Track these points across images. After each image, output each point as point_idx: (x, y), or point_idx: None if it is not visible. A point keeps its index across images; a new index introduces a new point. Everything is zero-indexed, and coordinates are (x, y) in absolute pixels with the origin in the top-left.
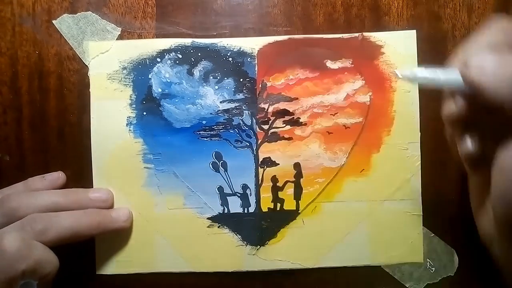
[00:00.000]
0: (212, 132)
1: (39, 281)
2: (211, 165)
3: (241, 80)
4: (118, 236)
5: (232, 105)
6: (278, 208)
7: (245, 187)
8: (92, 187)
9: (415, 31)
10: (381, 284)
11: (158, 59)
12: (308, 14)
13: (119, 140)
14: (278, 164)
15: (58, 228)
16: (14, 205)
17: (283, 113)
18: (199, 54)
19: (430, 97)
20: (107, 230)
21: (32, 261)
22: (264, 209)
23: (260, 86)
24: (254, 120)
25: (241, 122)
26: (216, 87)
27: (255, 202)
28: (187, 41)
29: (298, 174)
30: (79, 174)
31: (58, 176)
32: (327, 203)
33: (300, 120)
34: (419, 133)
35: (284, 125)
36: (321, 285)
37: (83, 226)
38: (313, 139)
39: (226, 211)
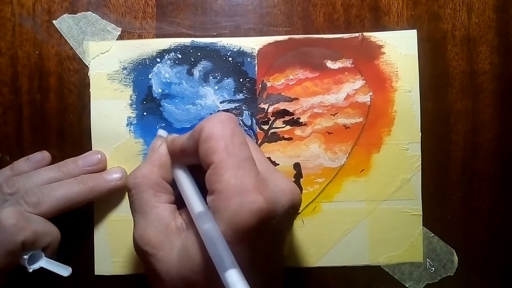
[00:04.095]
0: None
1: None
2: None
3: (241, 80)
4: (117, 236)
5: (232, 105)
6: None
7: None
8: None
9: (416, 30)
10: (381, 284)
11: (158, 59)
12: (308, 14)
13: (119, 140)
14: (278, 164)
15: (51, 198)
16: (10, 191)
17: (283, 113)
18: (199, 54)
19: (431, 97)
20: (103, 192)
21: (30, 232)
22: None
23: (260, 86)
24: (254, 120)
25: (241, 122)
26: (216, 87)
27: None
28: (187, 40)
29: (298, 174)
30: None
31: (43, 156)
32: (327, 203)
33: (300, 120)
34: (420, 133)
35: (284, 125)
36: (321, 285)
37: (75, 193)
38: (313, 139)
39: None
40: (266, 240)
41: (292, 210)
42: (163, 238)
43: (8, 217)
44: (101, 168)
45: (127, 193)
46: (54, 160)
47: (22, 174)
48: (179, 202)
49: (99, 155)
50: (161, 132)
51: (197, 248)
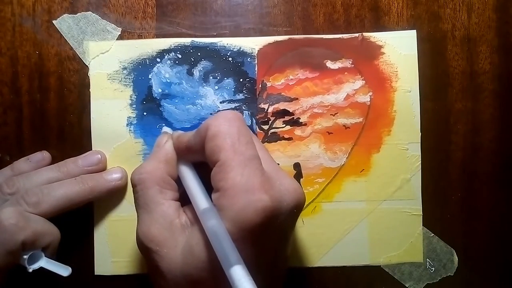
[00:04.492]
0: None
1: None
2: None
3: (241, 80)
4: (117, 236)
5: (232, 105)
6: None
7: None
8: None
9: (415, 31)
10: (381, 284)
11: (158, 59)
12: (308, 14)
13: (119, 140)
14: (278, 164)
15: (51, 198)
16: (10, 191)
17: (283, 113)
18: (199, 54)
19: (431, 97)
20: (103, 192)
21: (30, 232)
22: None
23: (260, 86)
24: (254, 120)
25: None
26: (216, 87)
27: None
28: (187, 40)
29: (298, 174)
30: None
31: (43, 156)
32: (327, 203)
33: (300, 120)
34: (420, 133)
35: (284, 125)
36: (321, 285)
37: (75, 193)
38: (313, 139)
39: None
40: (271, 238)
41: (296, 210)
42: (168, 235)
43: (8, 217)
44: (101, 168)
45: (130, 190)
46: (54, 160)
47: (22, 174)
48: (184, 199)
49: (99, 155)
50: (166, 129)
51: (202, 246)
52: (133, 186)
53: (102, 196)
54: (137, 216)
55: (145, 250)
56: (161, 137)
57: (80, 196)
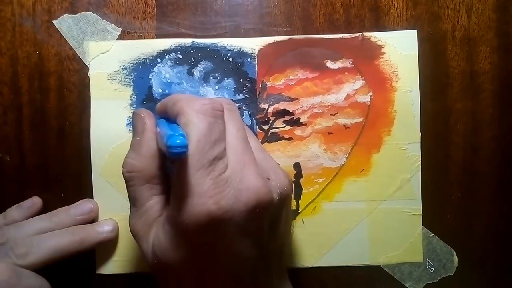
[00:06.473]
0: None
1: None
2: None
3: (241, 80)
4: (119, 235)
5: None
6: None
7: None
8: (92, 188)
9: (415, 30)
10: (381, 284)
11: (159, 59)
12: (308, 14)
13: (119, 140)
14: (278, 164)
15: (40, 249)
16: (0, 241)
17: (283, 113)
18: (199, 54)
19: (431, 97)
20: (92, 244)
21: None
22: None
23: (260, 86)
24: (254, 120)
25: None
26: (216, 87)
27: None
28: (187, 41)
29: (298, 174)
30: (79, 175)
31: (33, 202)
32: (327, 203)
33: (300, 120)
34: (420, 133)
35: (284, 125)
36: (321, 285)
37: (65, 245)
38: (313, 139)
39: None
40: (224, 237)
41: (259, 209)
42: (148, 231)
43: (0, 273)
44: (93, 217)
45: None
46: (54, 160)
47: (13, 224)
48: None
49: (91, 204)
50: (141, 111)
51: (163, 229)
52: (125, 181)
53: (92, 247)
54: (129, 206)
55: (134, 239)
56: (137, 124)
57: (70, 248)
